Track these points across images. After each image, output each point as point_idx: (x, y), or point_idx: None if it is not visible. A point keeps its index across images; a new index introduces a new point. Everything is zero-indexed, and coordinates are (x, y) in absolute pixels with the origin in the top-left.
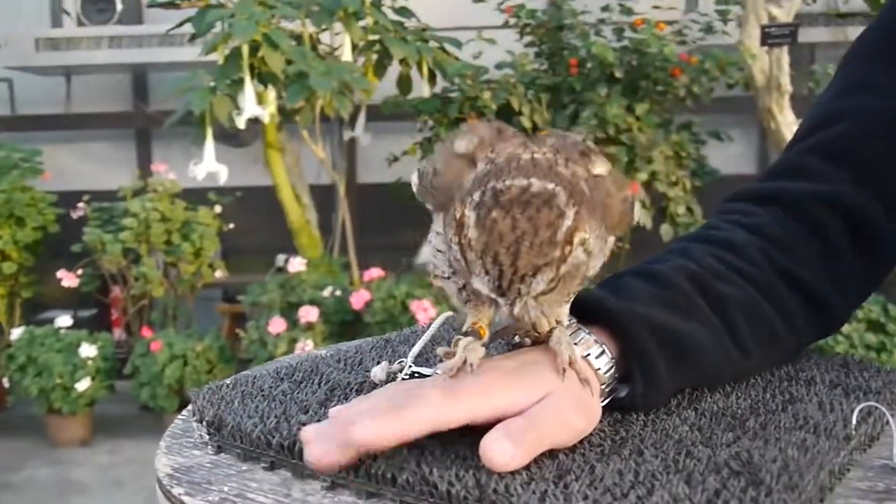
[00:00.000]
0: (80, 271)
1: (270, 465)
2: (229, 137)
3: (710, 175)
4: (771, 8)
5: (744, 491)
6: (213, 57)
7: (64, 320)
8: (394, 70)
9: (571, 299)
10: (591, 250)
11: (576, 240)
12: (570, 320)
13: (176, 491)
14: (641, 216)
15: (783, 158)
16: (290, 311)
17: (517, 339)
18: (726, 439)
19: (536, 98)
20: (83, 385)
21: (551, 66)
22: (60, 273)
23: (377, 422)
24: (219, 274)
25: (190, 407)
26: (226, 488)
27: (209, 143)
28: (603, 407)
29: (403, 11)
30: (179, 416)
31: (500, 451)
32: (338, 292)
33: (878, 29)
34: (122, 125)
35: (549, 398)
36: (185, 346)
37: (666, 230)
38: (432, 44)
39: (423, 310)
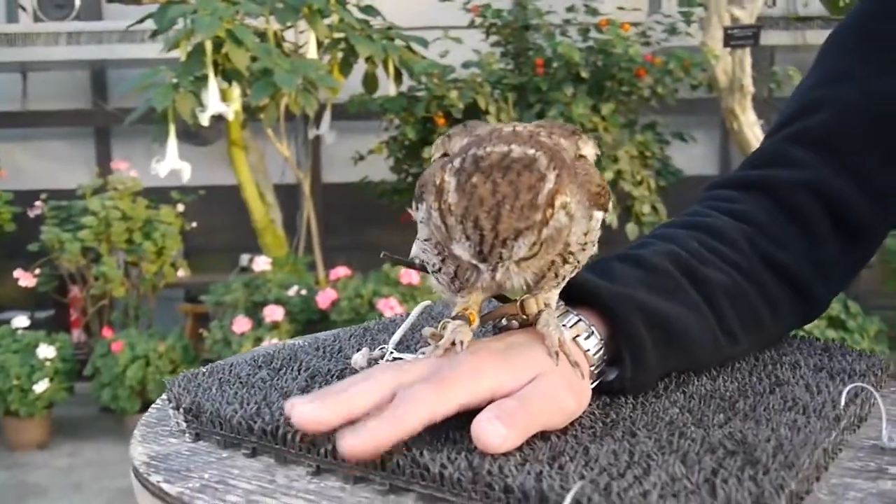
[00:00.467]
0: (37, 271)
1: (252, 451)
2: (192, 136)
3: (675, 175)
4: (734, 10)
5: (741, 470)
6: (175, 54)
7: (21, 321)
8: (360, 68)
9: (563, 285)
10: (573, 214)
11: (557, 202)
12: (558, 303)
13: (154, 479)
14: (607, 216)
15: (764, 147)
16: (254, 310)
17: (504, 322)
18: (718, 420)
19: (503, 97)
20: (41, 387)
21: (517, 66)
22: (17, 273)
23: (370, 434)
24: (181, 273)
25: (164, 395)
26: (206, 475)
27: (172, 141)
28: (592, 389)
29: (369, 10)
30: (154, 406)
31: (492, 432)
32: (303, 291)
33: (856, 18)
34: (81, 123)
35: (539, 379)
36: (147, 347)
37: (631, 229)
38: (398, 42)
39: (391, 308)
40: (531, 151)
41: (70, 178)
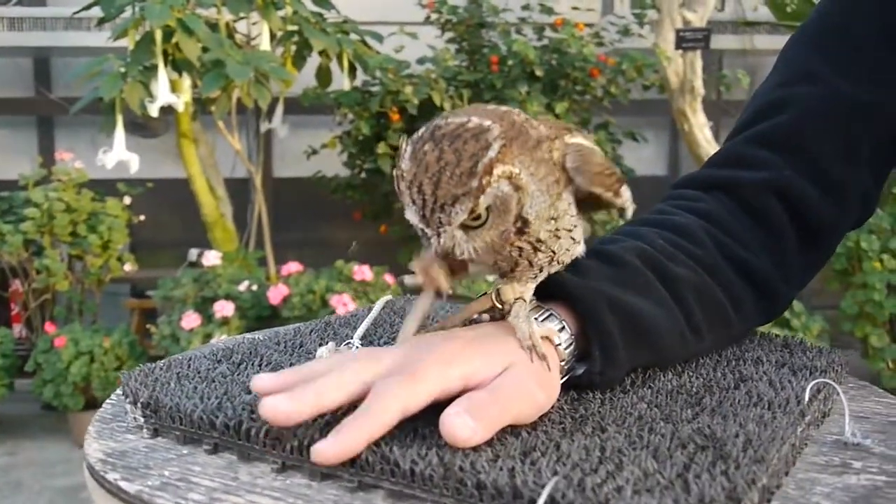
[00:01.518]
0: None
1: (214, 447)
2: (140, 127)
3: (626, 175)
4: (685, 13)
5: (713, 464)
6: (122, 42)
7: None
8: (313, 62)
9: (541, 278)
10: (523, 187)
11: (497, 171)
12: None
13: (111, 476)
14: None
15: (727, 147)
16: (204, 305)
17: (476, 316)
18: (686, 416)
19: (458, 94)
20: None
21: (472, 63)
22: None
23: (343, 438)
24: (128, 267)
25: (120, 390)
26: (167, 472)
27: (119, 132)
28: (561, 385)
29: (323, 3)
30: (108, 401)
31: (460, 425)
32: (254, 287)
33: (818, 18)
34: (23, 111)
35: (510, 370)
36: (91, 342)
37: (584, 227)
38: (353, 36)
39: (344, 304)
40: (486, 123)
41: (12, 169)
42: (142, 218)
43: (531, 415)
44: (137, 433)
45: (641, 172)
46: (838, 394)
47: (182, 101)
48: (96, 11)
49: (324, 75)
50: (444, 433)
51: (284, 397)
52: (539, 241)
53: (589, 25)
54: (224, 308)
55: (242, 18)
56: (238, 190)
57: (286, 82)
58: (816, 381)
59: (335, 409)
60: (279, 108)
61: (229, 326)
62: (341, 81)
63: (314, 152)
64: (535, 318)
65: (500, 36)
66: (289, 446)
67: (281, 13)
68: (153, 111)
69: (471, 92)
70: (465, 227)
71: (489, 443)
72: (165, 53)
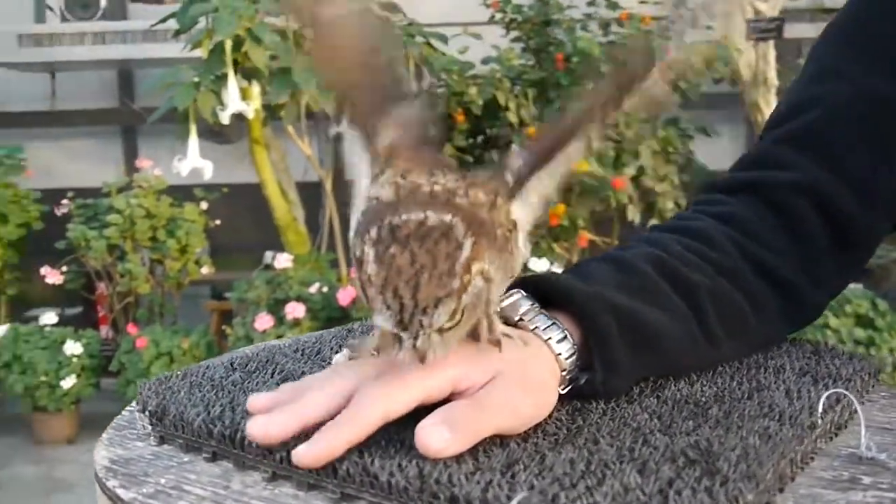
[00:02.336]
0: (64, 268)
1: (212, 455)
2: (216, 134)
3: (699, 171)
4: (756, 3)
5: (698, 480)
6: (198, 52)
7: (49, 317)
8: None
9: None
10: (492, 279)
11: (474, 269)
12: (532, 304)
13: (111, 483)
14: (630, 212)
15: (755, 148)
16: (276, 307)
17: None
18: (686, 427)
19: (523, 93)
20: (68, 383)
21: (538, 62)
22: (44, 270)
23: (321, 443)
24: (205, 270)
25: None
26: (162, 480)
27: (193, 139)
28: (564, 395)
29: (390, 7)
30: (126, 409)
31: (435, 436)
32: (325, 289)
33: (847, 15)
34: (108, 122)
35: (497, 379)
36: (171, 343)
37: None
38: (419, 39)
39: None
40: (447, 218)
41: (97, 177)
42: (217, 222)
43: (518, 426)
44: (146, 441)
45: (716, 166)
46: (854, 405)
47: (252, 108)
48: (173, 23)
49: None
50: (418, 444)
51: (265, 418)
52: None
53: (658, 19)
54: (295, 310)
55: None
56: (310, 194)
57: None
58: (833, 391)
59: (319, 424)
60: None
61: (301, 328)
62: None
63: None
64: (537, 327)
65: (565, 33)
66: (278, 456)
67: None
68: (224, 119)
69: (536, 91)
70: (440, 329)
71: (473, 454)
72: (235, 62)
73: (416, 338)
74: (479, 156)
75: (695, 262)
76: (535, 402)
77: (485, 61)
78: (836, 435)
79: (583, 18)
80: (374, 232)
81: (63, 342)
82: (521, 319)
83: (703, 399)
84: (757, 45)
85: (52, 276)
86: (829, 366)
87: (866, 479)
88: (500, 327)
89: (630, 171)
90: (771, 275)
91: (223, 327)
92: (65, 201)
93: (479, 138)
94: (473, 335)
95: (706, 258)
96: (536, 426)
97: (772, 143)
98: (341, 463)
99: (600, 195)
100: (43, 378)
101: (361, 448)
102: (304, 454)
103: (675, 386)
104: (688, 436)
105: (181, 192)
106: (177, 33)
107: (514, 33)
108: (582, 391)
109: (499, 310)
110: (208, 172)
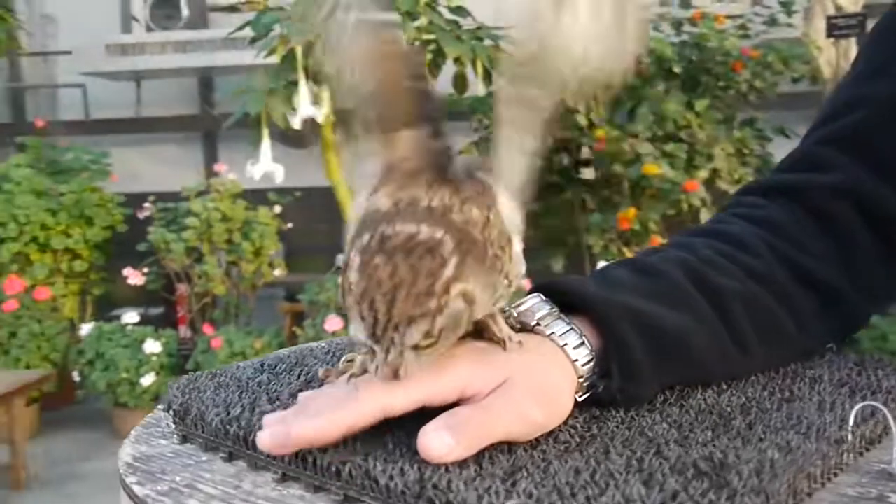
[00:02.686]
0: (145, 270)
1: (229, 455)
2: (291, 139)
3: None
4: None
5: (704, 494)
6: (273, 59)
7: (131, 317)
8: (452, 69)
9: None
10: (475, 300)
11: (454, 290)
12: (550, 309)
13: (129, 480)
14: (703, 215)
15: (798, 149)
16: None
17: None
18: (704, 438)
19: (592, 95)
20: (147, 380)
21: None
22: (126, 271)
23: (315, 421)
24: (278, 272)
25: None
26: (178, 478)
27: (265, 144)
28: (583, 402)
29: (460, 11)
30: (157, 407)
31: (437, 441)
32: None
33: (894, 12)
34: (190, 127)
35: (506, 386)
36: (244, 344)
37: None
38: (488, 42)
39: None
40: (438, 234)
41: (178, 181)
42: (290, 225)
43: (527, 433)
44: (169, 439)
45: None
46: (888, 418)
47: (322, 112)
48: (249, 31)
49: (460, 82)
50: (420, 448)
51: (267, 433)
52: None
53: (734, 17)
54: None
55: None
56: None
57: None
58: (865, 403)
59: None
60: None
61: None
62: (478, 87)
63: None
64: (553, 333)
65: None
66: (287, 458)
67: (417, 23)
68: (295, 123)
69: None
70: (416, 347)
71: (478, 460)
72: (306, 68)
73: (387, 352)
74: (547, 158)
75: (725, 267)
76: (545, 409)
77: None
78: (868, 450)
79: (655, 18)
80: (364, 239)
81: (143, 341)
82: (537, 324)
83: (729, 409)
84: (838, 43)
85: (134, 277)
86: (871, 378)
87: (894, 498)
88: (507, 331)
89: (703, 173)
90: (809, 280)
91: (294, 329)
92: (146, 205)
93: (549, 140)
94: (481, 339)
95: (738, 262)
96: (549, 433)
97: (815, 144)
98: (344, 466)
99: (672, 198)
100: (124, 375)
101: (367, 452)
102: (300, 433)
103: (701, 395)
104: (703, 447)
105: (255, 196)
106: (252, 41)
107: None
108: (600, 399)
109: (516, 315)
110: (280, 176)
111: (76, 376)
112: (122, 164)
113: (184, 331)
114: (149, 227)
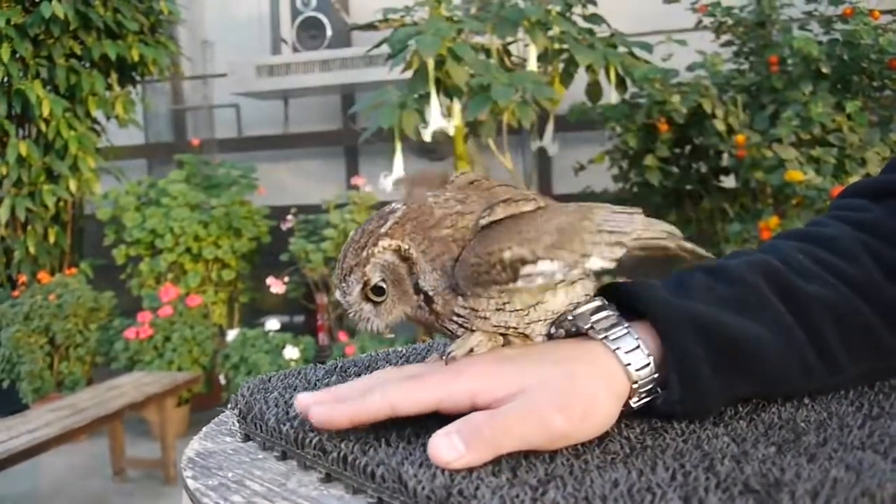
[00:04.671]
0: (286, 279)
1: (282, 454)
2: (427, 151)
3: None
4: None
5: None
6: (409, 74)
7: (272, 324)
8: (585, 78)
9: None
10: (413, 259)
11: (381, 243)
12: (609, 313)
13: (186, 473)
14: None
15: None
16: None
17: (553, 330)
18: (765, 454)
19: (731, 100)
20: None
21: (752, 66)
22: (269, 280)
23: (327, 410)
24: None
25: None
26: (230, 475)
27: (398, 156)
28: (644, 412)
29: (594, 18)
30: (229, 405)
31: (445, 446)
32: None
33: None
34: (333, 142)
35: (525, 393)
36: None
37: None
38: (621, 49)
39: None
40: (399, 206)
41: (320, 194)
42: None
43: (549, 440)
44: (234, 437)
45: None
46: None
47: (453, 124)
48: (387, 48)
49: (593, 90)
50: (430, 453)
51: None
52: (474, 309)
53: (891, 12)
54: None
55: (514, 42)
56: None
57: (553, 101)
58: None
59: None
60: (549, 126)
61: None
62: (610, 95)
63: (581, 168)
64: (606, 337)
65: (780, 34)
66: (331, 458)
67: (551, 32)
68: (426, 136)
69: (746, 97)
70: (370, 300)
71: (514, 468)
72: (438, 81)
73: (348, 304)
74: (684, 166)
75: (817, 274)
76: (570, 417)
77: (690, 68)
78: None
79: (802, 17)
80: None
81: (283, 347)
82: (591, 328)
83: (803, 425)
84: None
85: (276, 285)
86: None
87: None
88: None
89: (854, 179)
90: None
91: (424, 338)
92: (289, 217)
93: (687, 148)
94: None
95: (832, 269)
96: (598, 442)
97: None
98: (378, 468)
99: (818, 206)
100: None
101: (403, 457)
102: (315, 416)
103: (777, 409)
104: (762, 463)
105: None
106: (389, 57)
107: (724, 37)
108: (659, 411)
109: (571, 318)
110: None
111: (222, 379)
112: (270, 178)
113: (322, 338)
114: (291, 238)
